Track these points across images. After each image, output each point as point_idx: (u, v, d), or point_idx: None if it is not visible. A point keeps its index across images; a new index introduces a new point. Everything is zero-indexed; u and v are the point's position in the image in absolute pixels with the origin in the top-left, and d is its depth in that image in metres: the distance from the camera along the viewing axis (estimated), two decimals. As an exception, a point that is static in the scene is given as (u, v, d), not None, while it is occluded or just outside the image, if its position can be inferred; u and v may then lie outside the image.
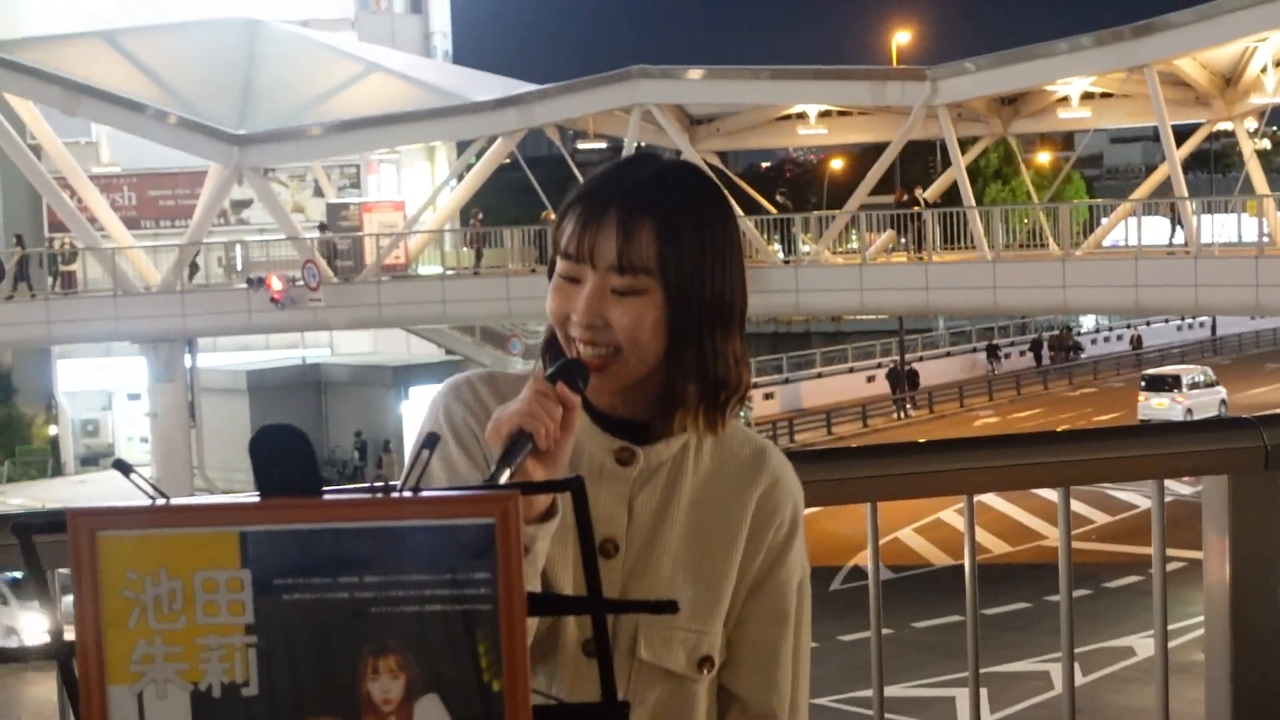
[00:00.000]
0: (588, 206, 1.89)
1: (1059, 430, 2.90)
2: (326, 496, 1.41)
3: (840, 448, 3.05)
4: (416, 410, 39.11)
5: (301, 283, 35.01)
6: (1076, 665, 16.99)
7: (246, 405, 39.54)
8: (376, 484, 1.42)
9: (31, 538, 1.45)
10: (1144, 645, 22.33)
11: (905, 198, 34.60)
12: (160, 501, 1.40)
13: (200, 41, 40.54)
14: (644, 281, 1.86)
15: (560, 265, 1.91)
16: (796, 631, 2.01)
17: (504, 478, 1.61)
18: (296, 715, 1.40)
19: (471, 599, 1.39)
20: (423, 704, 1.40)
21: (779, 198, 37.19)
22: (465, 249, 38.12)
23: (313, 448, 1.42)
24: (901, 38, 47.38)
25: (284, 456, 1.41)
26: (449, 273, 36.83)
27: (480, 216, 37.92)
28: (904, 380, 50.01)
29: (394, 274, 36.55)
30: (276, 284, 34.89)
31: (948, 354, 58.07)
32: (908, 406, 49.12)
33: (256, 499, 1.41)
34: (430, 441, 1.44)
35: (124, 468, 1.45)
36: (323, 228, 38.59)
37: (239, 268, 38.86)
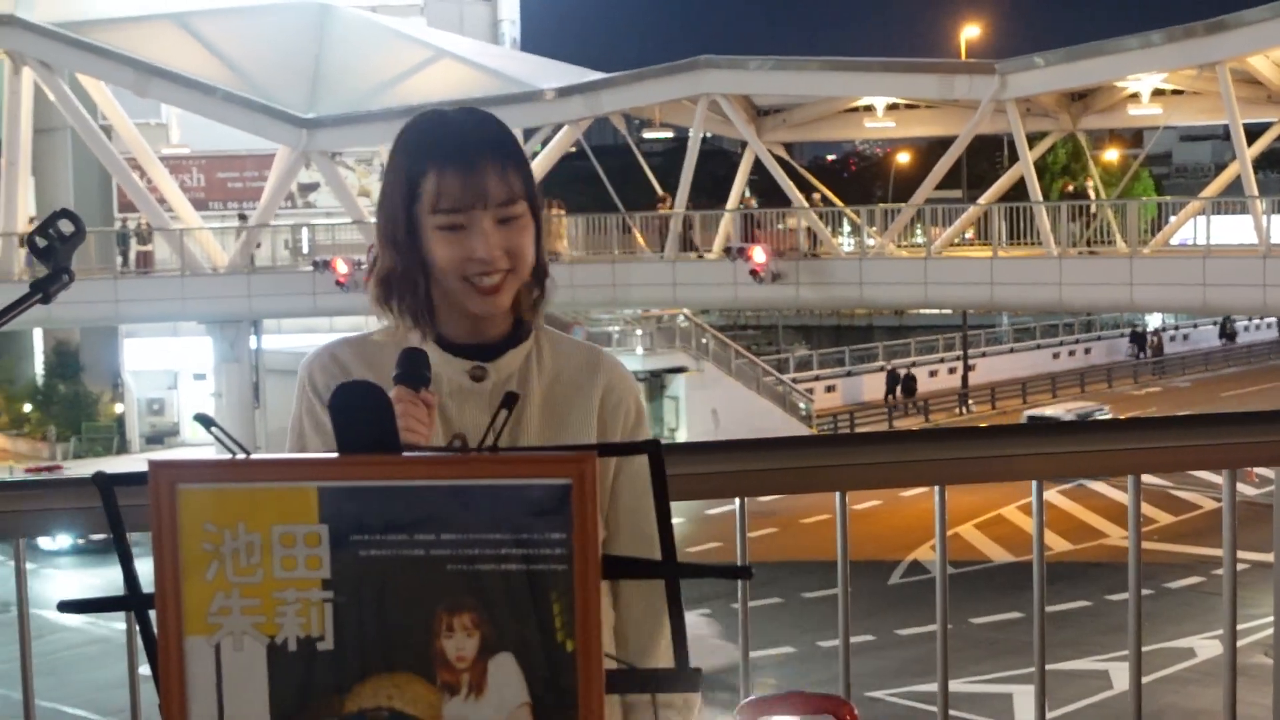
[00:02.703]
0: (456, 163, 2.11)
1: (1133, 418, 2.87)
2: (405, 454, 1.42)
3: (908, 430, 3.03)
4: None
5: (366, 266, 35.09)
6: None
7: (310, 387, 39.71)
8: (454, 443, 1.43)
9: (113, 490, 1.47)
10: (1205, 646, 22.14)
11: (1072, 189, 34.30)
12: (240, 456, 1.41)
13: (270, 25, 40.75)
14: (520, 207, 2.14)
15: (439, 220, 2.12)
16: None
17: None
18: (371, 670, 1.41)
19: (546, 559, 1.40)
20: (496, 662, 1.41)
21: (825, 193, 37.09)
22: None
23: (392, 406, 1.43)
24: (970, 32, 47.07)
25: (363, 414, 1.42)
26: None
27: (557, 207, 37.83)
28: (898, 384, 49.21)
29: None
30: (342, 267, 35.02)
31: (1011, 350, 57.67)
32: (904, 410, 48.04)
33: (335, 455, 1.42)
34: (509, 401, 1.45)
35: (206, 421, 1.47)
36: None
37: (305, 250, 39.07)
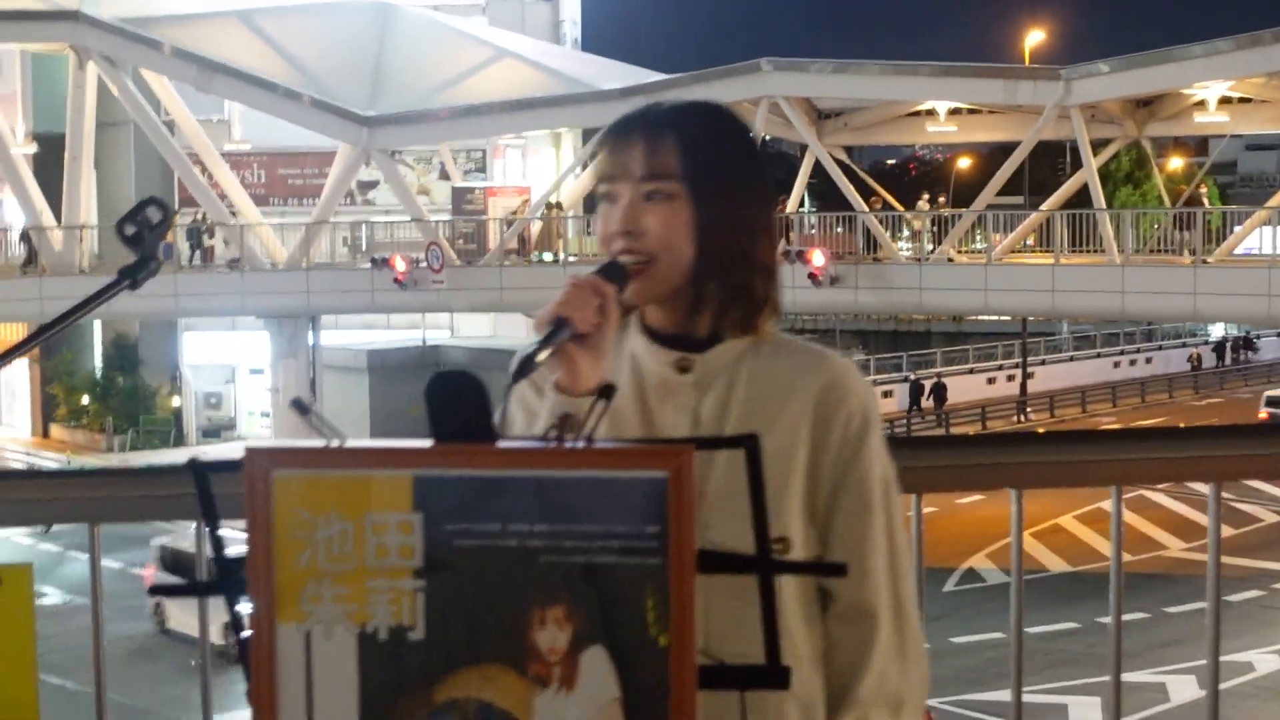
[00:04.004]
0: (617, 134, 2.10)
1: (1209, 425, 2.84)
2: (500, 444, 1.41)
3: (986, 433, 3.01)
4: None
5: (425, 264, 35.27)
6: (1193, 679, 16.55)
7: (366, 384, 39.88)
8: (551, 433, 1.43)
9: (207, 477, 1.47)
10: (1264, 661, 21.92)
11: (1189, 197, 34.14)
12: (335, 443, 1.41)
13: (333, 23, 40.99)
14: (671, 186, 2.03)
15: (601, 189, 2.10)
16: (889, 528, 2.04)
17: (541, 357, 1.77)
18: (462, 661, 1.41)
19: (641, 552, 1.38)
20: (588, 656, 1.39)
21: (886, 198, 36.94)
22: (573, 237, 38.11)
23: (488, 395, 1.42)
24: (1035, 38, 46.81)
25: (459, 402, 1.41)
26: (570, 258, 36.91)
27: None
28: (921, 394, 47.60)
29: (516, 258, 36.73)
30: (400, 265, 35.18)
31: (1071, 359, 57.32)
32: (924, 421, 47.12)
33: (430, 443, 1.41)
34: (607, 392, 1.44)
35: (301, 407, 1.46)
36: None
37: (364, 248, 39.26)
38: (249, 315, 38.62)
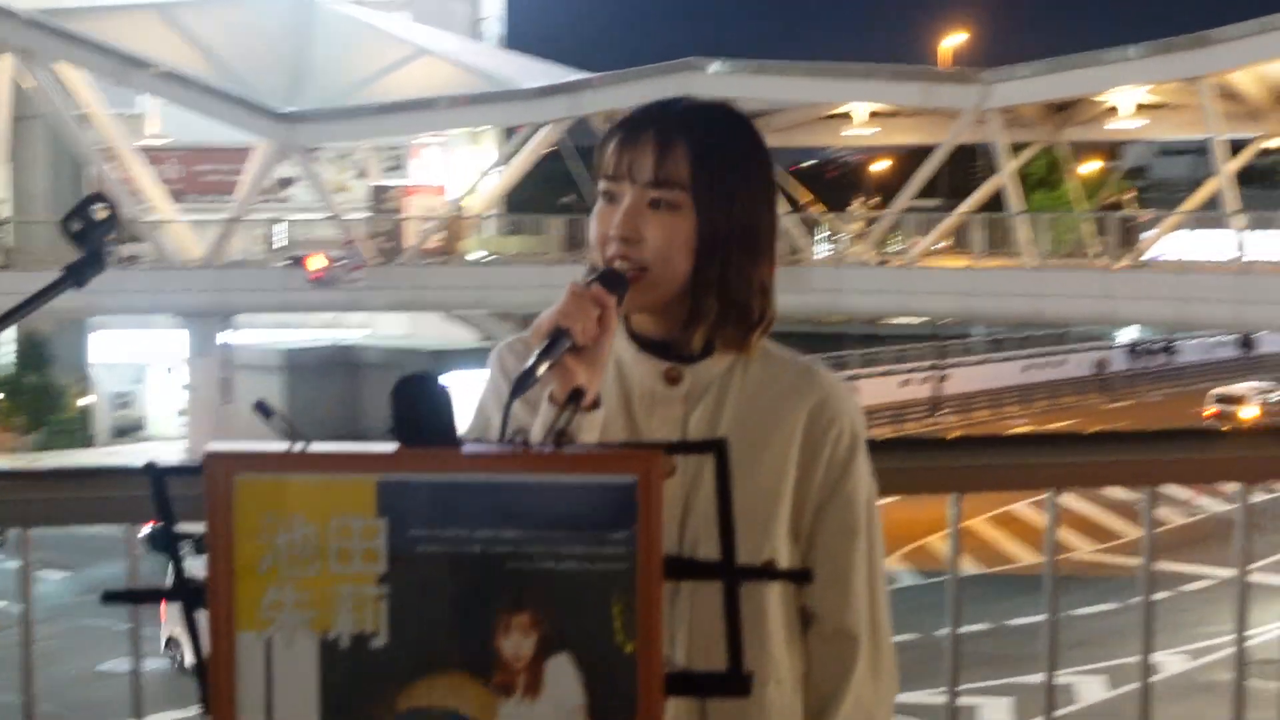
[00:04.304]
0: (626, 131, 2.01)
1: (1147, 430, 2.87)
2: (466, 448, 1.40)
3: (926, 438, 3.02)
4: (452, 395, 39.09)
5: (342, 262, 35.06)
6: (1101, 680, 16.67)
7: (281, 383, 39.55)
8: (516, 437, 1.41)
9: (164, 480, 1.44)
10: (1171, 661, 22.21)
11: (1113, 201, 34.45)
12: (299, 446, 1.39)
13: (253, 18, 40.67)
14: (678, 196, 1.96)
15: (602, 185, 2.02)
16: (870, 549, 2.04)
17: (542, 369, 1.71)
18: (425, 669, 1.39)
19: (609, 558, 1.37)
20: (554, 663, 1.38)
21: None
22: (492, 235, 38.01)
23: (451, 399, 1.40)
24: (952, 41, 47.13)
25: (424, 406, 1.40)
26: (490, 258, 36.85)
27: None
28: None
29: (436, 258, 36.61)
30: (317, 263, 34.96)
31: (984, 361, 57.79)
32: None
33: (395, 447, 1.39)
34: (575, 396, 1.43)
35: (265, 410, 1.44)
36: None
37: (280, 245, 38.97)
38: (163, 313, 38.19)
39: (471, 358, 41.61)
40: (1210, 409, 44.52)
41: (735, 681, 1.45)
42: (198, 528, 1.60)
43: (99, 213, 1.96)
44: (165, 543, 1.51)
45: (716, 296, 1.98)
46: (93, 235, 1.96)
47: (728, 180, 1.98)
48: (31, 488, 2.30)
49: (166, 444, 41.98)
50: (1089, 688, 20.68)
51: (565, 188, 43.41)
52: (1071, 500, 30.93)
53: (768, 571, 1.84)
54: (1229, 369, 63.53)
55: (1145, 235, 33.29)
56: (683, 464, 1.93)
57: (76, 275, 1.96)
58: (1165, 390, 58.40)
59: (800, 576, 1.48)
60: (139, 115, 44.80)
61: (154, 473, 1.44)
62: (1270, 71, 31.37)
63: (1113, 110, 34.17)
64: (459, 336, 43.35)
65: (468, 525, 1.38)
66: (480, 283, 35.60)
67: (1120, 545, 28.94)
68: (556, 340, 1.75)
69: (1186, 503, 32.93)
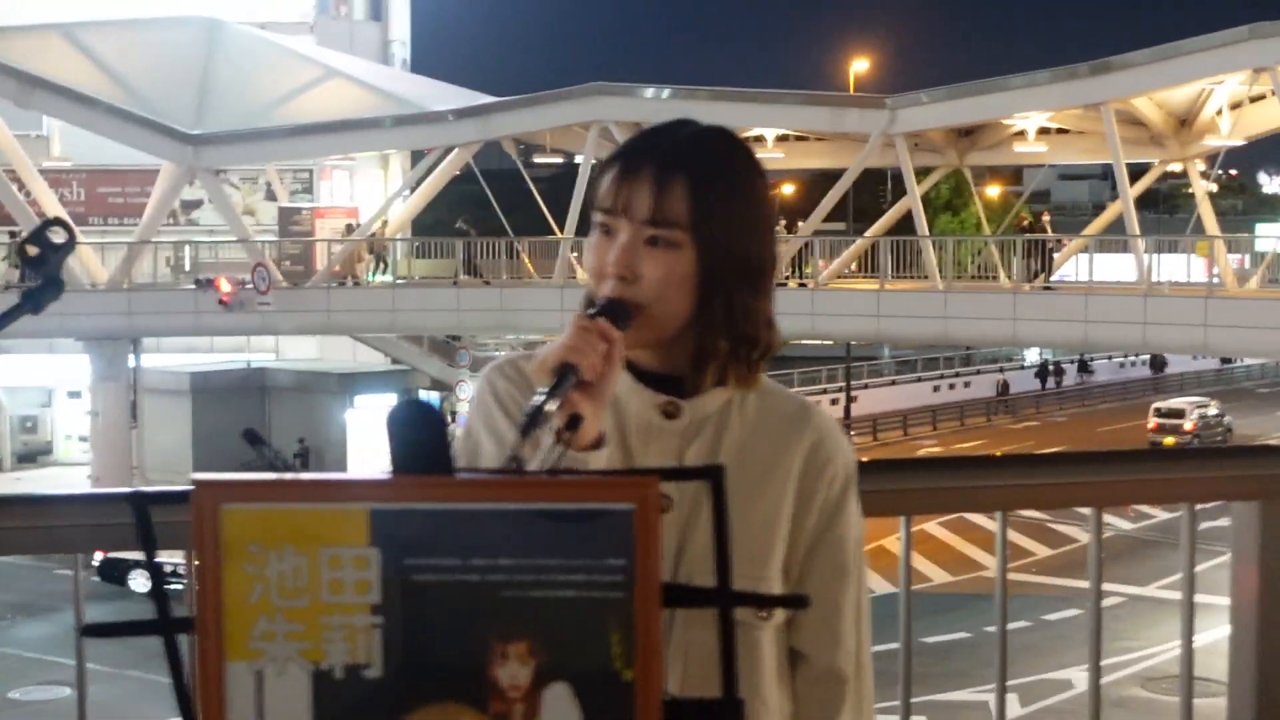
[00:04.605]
0: (624, 163, 1.95)
1: (1095, 451, 2.89)
2: (460, 476, 1.38)
3: (874, 460, 3.03)
4: (361, 418, 38.87)
5: (251, 286, 34.75)
6: (1014, 696, 16.91)
7: (189, 407, 39.15)
8: (512, 465, 1.40)
9: (147, 509, 1.41)
10: (1082, 678, 22.40)
11: (1028, 223, 34.66)
12: (289, 475, 1.37)
13: (158, 39, 40.23)
14: (676, 235, 1.91)
15: (598, 218, 1.96)
16: (859, 590, 2.04)
17: (550, 406, 1.66)
18: (421, 699, 1.37)
19: (606, 586, 1.36)
20: (551, 692, 1.36)
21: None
22: (400, 259, 37.79)
23: (446, 426, 1.39)
24: (860, 65, 47.62)
25: (418, 433, 1.38)
26: (399, 281, 36.68)
27: (463, 226, 37.56)
28: None
29: (344, 281, 36.39)
30: (225, 286, 34.65)
31: (893, 382, 58.32)
32: None
33: (388, 475, 1.37)
34: (573, 423, 1.41)
35: (253, 438, 1.41)
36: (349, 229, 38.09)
37: (188, 268, 38.57)
38: (68, 337, 37.66)
39: (380, 381, 41.44)
40: (1152, 423, 47.73)
41: (728, 709, 1.44)
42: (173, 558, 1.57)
43: (56, 237, 1.92)
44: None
45: (725, 335, 1.95)
46: (50, 260, 1.92)
47: (727, 214, 1.94)
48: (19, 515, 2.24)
49: (73, 469, 41.43)
50: (1006, 705, 20.88)
51: (473, 211, 43.25)
52: (982, 520, 31.29)
53: (763, 598, 1.83)
54: (1135, 390, 64.48)
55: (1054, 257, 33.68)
56: (678, 500, 1.90)
57: (34, 301, 1.92)
58: (1070, 411, 59.17)
59: (796, 602, 1.47)
60: (44, 137, 44.28)
61: (137, 501, 1.41)
62: (1169, 98, 31.91)
63: (1019, 135, 34.61)
64: (368, 360, 43.14)
65: (463, 554, 1.36)
66: (389, 306, 35.43)
67: (1030, 563, 29.29)
68: (564, 376, 1.72)
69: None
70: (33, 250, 1.91)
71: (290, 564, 1.36)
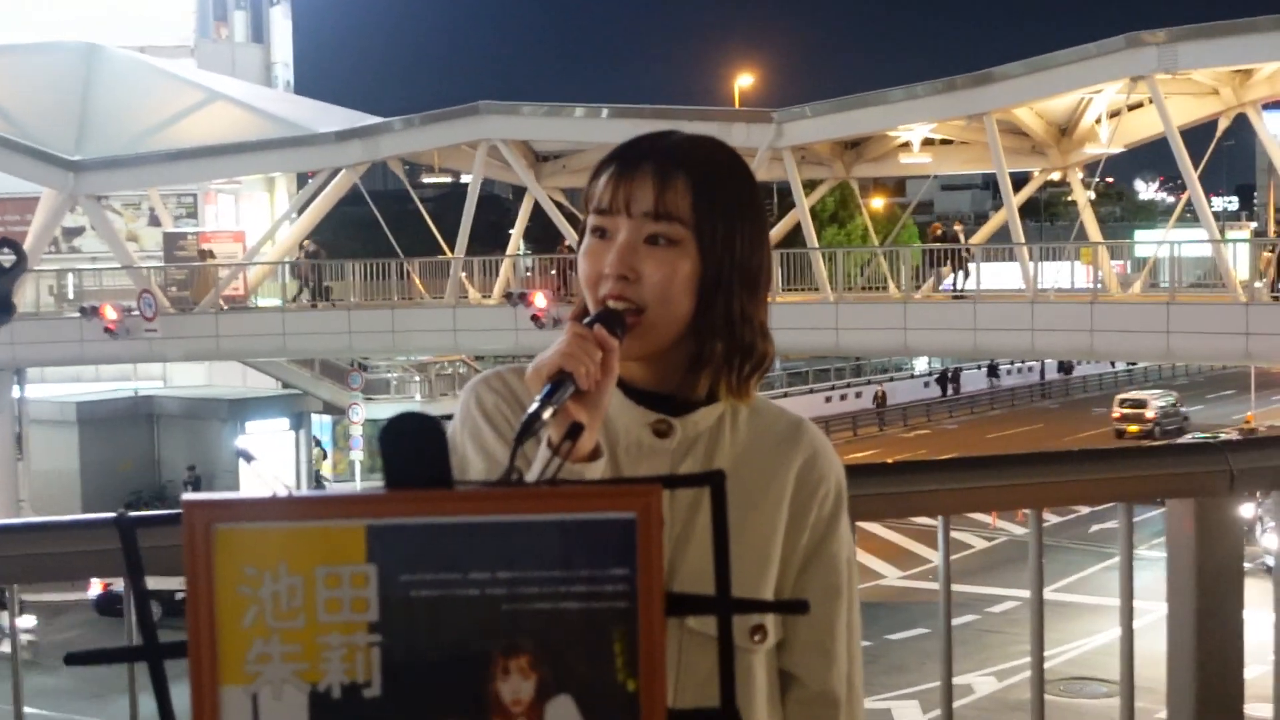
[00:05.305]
0: (622, 163, 1.92)
1: (1033, 453, 2.92)
2: (458, 489, 1.36)
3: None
4: (253, 444, 38.46)
5: (137, 313, 34.27)
6: (915, 703, 17.07)
7: (76, 437, 38.54)
8: (511, 476, 1.38)
9: (135, 533, 1.38)
10: (982, 683, 22.71)
11: (941, 232, 34.83)
12: (283, 493, 1.34)
13: (36, 65, 39.64)
14: (678, 231, 1.88)
15: (592, 220, 1.93)
16: (850, 610, 2.02)
17: (547, 414, 1.64)
18: (422, 717, 1.35)
19: (608, 596, 1.34)
20: (555, 705, 1.35)
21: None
22: (291, 280, 37.51)
23: (445, 438, 1.37)
24: (745, 81, 47.87)
25: (413, 446, 1.35)
26: (290, 305, 36.34)
27: (310, 248, 37.27)
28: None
29: (233, 306, 36.01)
30: (111, 313, 34.15)
31: (785, 394, 58.61)
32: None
33: (383, 491, 1.35)
34: (574, 432, 1.40)
35: (246, 455, 1.39)
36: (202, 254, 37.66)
37: (70, 296, 37.99)
38: (-52, 368, 36.99)
39: (271, 405, 41.05)
40: (1116, 412, 52.01)
41: (727, 719, 1.43)
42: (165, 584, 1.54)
43: (5, 259, 1.88)
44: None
45: (723, 340, 1.93)
46: (0, 282, 1.87)
47: (729, 216, 1.92)
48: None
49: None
50: (906, 712, 21.06)
51: (363, 233, 43.00)
52: (877, 528, 31.55)
53: (763, 603, 1.82)
54: (1022, 396, 65.34)
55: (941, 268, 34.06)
56: (670, 518, 1.87)
57: (-16, 325, 1.87)
58: (959, 419, 59.82)
59: (796, 607, 1.46)
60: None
61: (124, 523, 1.37)
62: (1050, 108, 32.43)
63: (904, 146, 34.99)
64: (258, 385, 42.71)
65: (462, 568, 1.34)
66: (279, 329, 35.09)
67: (928, 570, 29.55)
68: (559, 384, 1.69)
69: (987, 526, 33.80)
70: (-20, 273, 1.86)
71: (285, 584, 1.34)
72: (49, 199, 36.42)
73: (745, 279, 1.94)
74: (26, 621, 21.83)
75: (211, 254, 37.40)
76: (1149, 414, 51.07)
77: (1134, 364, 66.03)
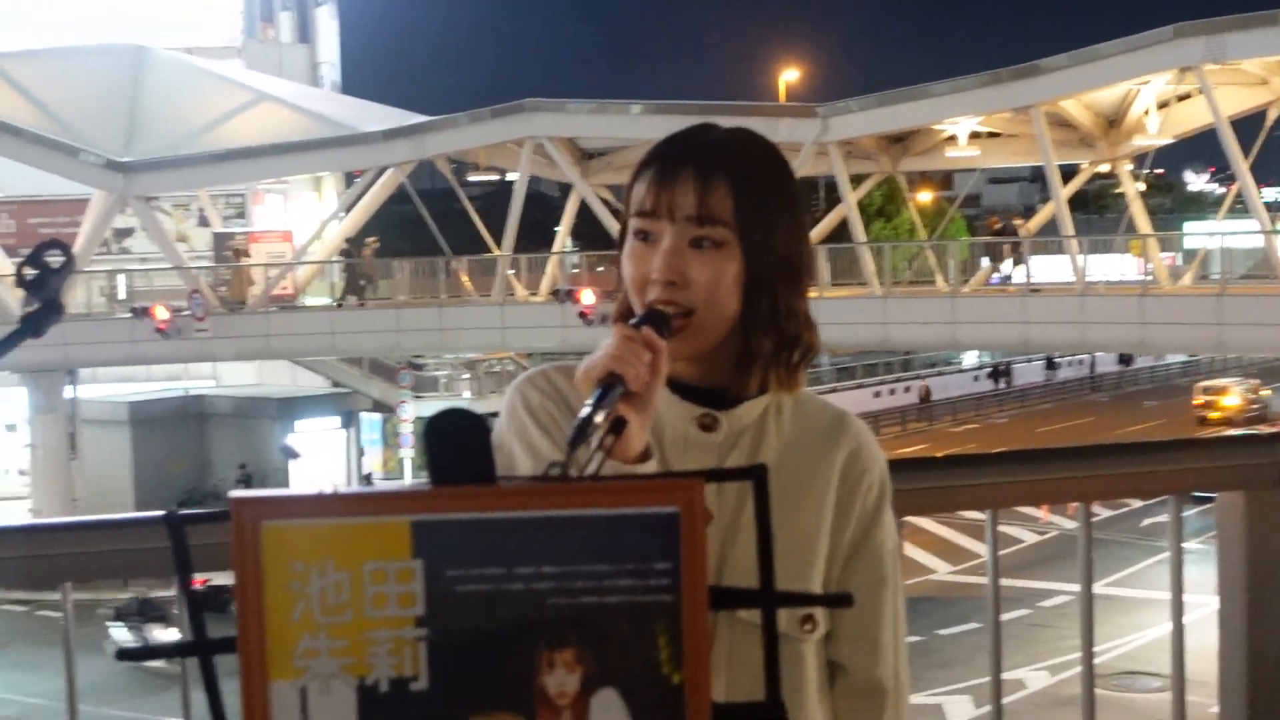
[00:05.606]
0: (662, 165, 1.92)
1: (1081, 446, 2.91)
2: (502, 484, 1.37)
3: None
4: (302, 442, 38.66)
5: (187, 313, 34.51)
6: (968, 698, 16.93)
7: (128, 437, 38.79)
8: (552, 472, 1.39)
9: (184, 530, 1.39)
10: (1033, 678, 22.61)
11: (1000, 226, 34.70)
12: (329, 489, 1.35)
13: (85, 68, 39.93)
14: (722, 233, 1.89)
15: (635, 224, 1.94)
16: (896, 599, 2.03)
17: (599, 418, 1.64)
18: (468, 710, 1.36)
19: (653, 590, 1.35)
20: (600, 698, 1.36)
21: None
22: (337, 281, 37.72)
23: (488, 434, 1.38)
24: (790, 75, 47.80)
25: (457, 443, 1.37)
26: (338, 304, 36.52)
27: (375, 244, 37.50)
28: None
29: (282, 305, 36.21)
30: (162, 314, 34.38)
31: (834, 389, 58.48)
32: None
33: (428, 487, 1.36)
34: (618, 425, 1.40)
35: (290, 452, 1.40)
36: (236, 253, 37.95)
37: (121, 297, 38.26)
38: (2, 370, 37.27)
39: (320, 404, 41.21)
40: (1199, 399, 52.77)
41: (772, 711, 1.44)
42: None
43: (54, 260, 1.90)
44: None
45: (770, 335, 1.95)
46: (48, 283, 1.90)
47: (770, 211, 1.93)
48: (52, 541, 2.20)
49: (12, 503, 40.91)
50: (958, 707, 20.99)
51: (410, 231, 43.14)
52: (927, 523, 31.47)
53: (806, 597, 1.83)
54: (1073, 390, 65.01)
55: (986, 261, 33.93)
56: (718, 512, 1.89)
57: (34, 325, 1.89)
58: (1010, 412, 59.55)
59: (840, 601, 1.47)
60: (-28, 170, 43.82)
61: (173, 521, 1.39)
62: (1098, 99, 32.23)
63: (950, 140, 34.84)
64: (307, 383, 42.91)
65: (507, 562, 1.35)
66: (328, 329, 35.27)
67: (978, 565, 29.42)
68: (610, 387, 1.70)
69: (1039, 520, 33.63)
70: (30, 272, 1.89)
71: (332, 579, 1.35)
72: (99, 200, 36.69)
73: (788, 273, 1.96)
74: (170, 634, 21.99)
75: (246, 253, 37.62)
76: (1230, 401, 51.84)
77: (1193, 355, 65.68)
